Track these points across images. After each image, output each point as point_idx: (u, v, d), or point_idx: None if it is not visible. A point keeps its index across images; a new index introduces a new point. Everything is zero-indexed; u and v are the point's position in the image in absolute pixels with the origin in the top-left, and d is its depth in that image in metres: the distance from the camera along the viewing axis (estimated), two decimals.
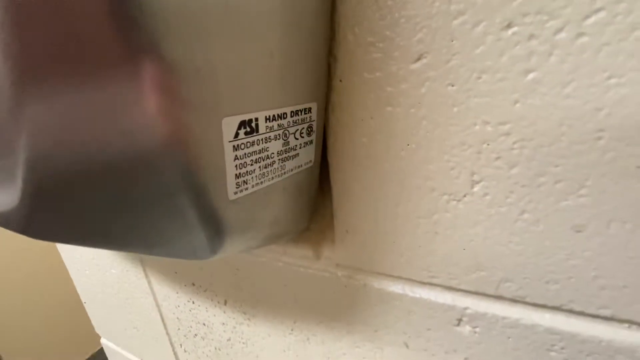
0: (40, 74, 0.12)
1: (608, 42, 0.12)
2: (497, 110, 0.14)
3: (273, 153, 0.15)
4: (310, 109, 0.16)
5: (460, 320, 0.19)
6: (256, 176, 0.15)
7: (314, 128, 0.17)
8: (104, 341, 0.55)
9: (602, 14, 0.12)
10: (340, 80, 0.17)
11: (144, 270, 0.37)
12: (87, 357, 1.91)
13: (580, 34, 0.12)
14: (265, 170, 0.15)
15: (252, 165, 0.14)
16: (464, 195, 0.16)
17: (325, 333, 0.25)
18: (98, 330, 0.55)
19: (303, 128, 0.16)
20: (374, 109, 0.17)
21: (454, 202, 0.16)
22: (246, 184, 0.14)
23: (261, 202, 0.16)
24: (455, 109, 0.15)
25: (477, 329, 0.18)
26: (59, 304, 1.77)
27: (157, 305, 0.39)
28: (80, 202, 0.15)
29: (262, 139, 0.14)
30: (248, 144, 0.13)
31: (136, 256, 0.37)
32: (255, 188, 0.15)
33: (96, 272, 0.45)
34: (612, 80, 0.12)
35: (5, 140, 0.14)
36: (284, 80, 0.14)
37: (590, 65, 0.12)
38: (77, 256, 0.47)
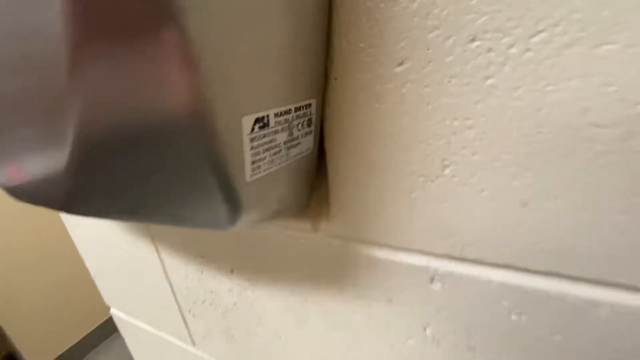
0: (95, 39, 0.13)
1: (548, 57, 0.15)
2: (463, 109, 0.17)
3: (280, 143, 0.18)
4: (310, 105, 0.19)
5: (433, 278, 0.23)
6: (267, 162, 0.18)
7: (313, 120, 0.20)
8: (113, 311, 0.59)
9: (543, 35, 0.15)
10: (336, 79, 0.20)
11: (154, 245, 0.41)
12: (95, 326, 1.97)
13: (527, 49, 0.15)
14: (274, 157, 0.18)
15: (263, 153, 0.17)
16: (437, 177, 0.19)
17: (321, 294, 0.29)
18: (107, 302, 0.59)
19: (304, 121, 0.19)
20: (364, 104, 0.20)
21: (429, 183, 0.20)
22: (259, 169, 0.17)
23: (270, 183, 0.19)
24: (429, 107, 0.18)
25: (446, 285, 0.22)
26: (65, 276, 1.81)
27: (167, 277, 0.43)
28: (121, 174, 0.17)
29: (271, 132, 0.17)
30: (261, 136, 0.16)
31: (146, 232, 0.40)
32: (266, 172, 0.18)
33: (106, 248, 0.48)
34: (549, 87, 0.15)
35: (55, 107, 0.16)
36: (290, 81, 0.17)
37: (534, 75, 0.15)
38: (85, 232, 0.50)
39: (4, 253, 1.56)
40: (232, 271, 0.34)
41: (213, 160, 0.15)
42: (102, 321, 1.94)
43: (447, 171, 0.19)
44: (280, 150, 0.18)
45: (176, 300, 0.45)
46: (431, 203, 0.20)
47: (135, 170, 0.17)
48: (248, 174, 0.17)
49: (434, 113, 0.18)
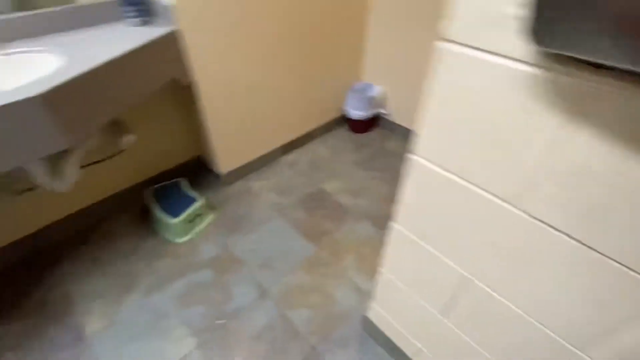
0: None
1: None
2: None
3: None
4: None
5: None
6: None
7: None
8: (415, 157, 0.69)
9: None
10: None
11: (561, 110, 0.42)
12: (276, 147, 2.06)
13: None
14: None
15: None
16: None
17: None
18: (419, 151, 0.68)
19: None
20: None
21: None
22: None
23: None
24: None
25: None
26: (281, 88, 1.88)
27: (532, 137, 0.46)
28: None
29: None
30: None
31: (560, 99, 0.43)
32: None
33: (472, 103, 0.53)
34: None
35: None
36: None
37: None
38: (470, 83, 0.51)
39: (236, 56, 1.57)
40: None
41: None
42: (283, 143, 2.08)
43: None
44: None
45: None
46: None
47: None
48: None
49: None
